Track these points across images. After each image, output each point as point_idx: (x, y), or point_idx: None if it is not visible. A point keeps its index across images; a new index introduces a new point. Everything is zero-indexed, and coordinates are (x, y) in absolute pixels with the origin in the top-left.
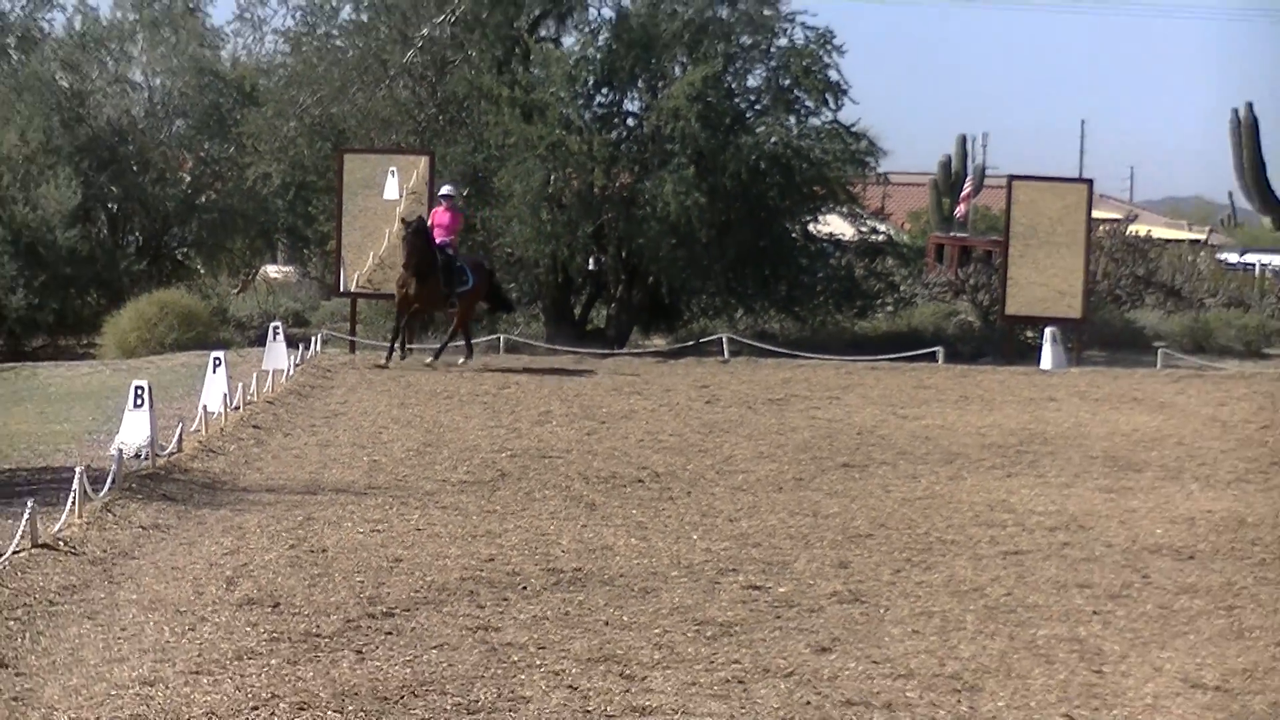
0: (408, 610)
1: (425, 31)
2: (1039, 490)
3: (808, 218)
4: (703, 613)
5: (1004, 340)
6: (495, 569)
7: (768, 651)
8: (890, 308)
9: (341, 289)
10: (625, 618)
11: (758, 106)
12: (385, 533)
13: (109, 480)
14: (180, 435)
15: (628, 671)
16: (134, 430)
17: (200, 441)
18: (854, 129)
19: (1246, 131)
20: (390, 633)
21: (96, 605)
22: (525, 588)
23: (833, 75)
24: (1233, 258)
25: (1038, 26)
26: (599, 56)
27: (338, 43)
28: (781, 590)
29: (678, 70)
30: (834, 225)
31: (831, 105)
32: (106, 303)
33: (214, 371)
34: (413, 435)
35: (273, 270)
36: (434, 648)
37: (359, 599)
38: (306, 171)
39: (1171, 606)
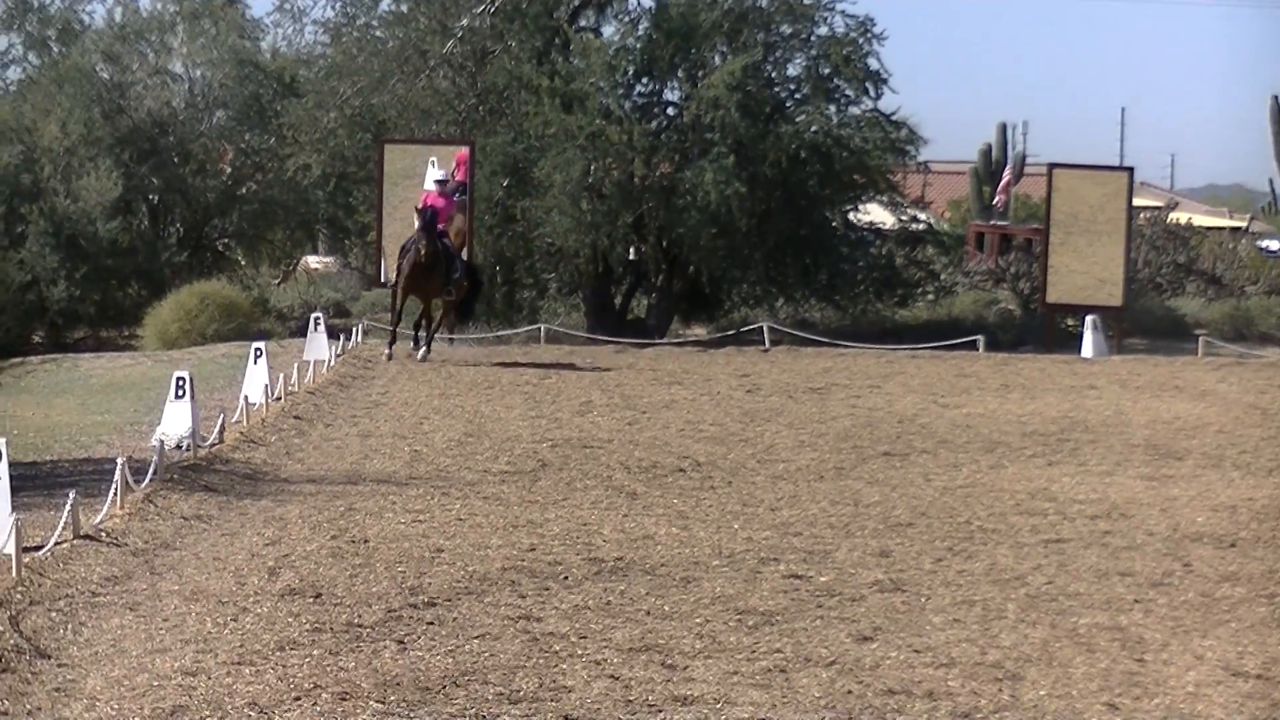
0: (449, 600)
1: (465, 22)
2: (1080, 478)
3: (848, 206)
4: (744, 602)
5: (1045, 328)
6: (537, 559)
7: (809, 641)
8: (931, 296)
9: (382, 279)
10: (667, 607)
11: (798, 95)
12: (427, 523)
13: (150, 471)
14: (221, 426)
15: (669, 661)
16: (175, 421)
17: (241, 432)
18: (894, 117)
19: None
20: (432, 623)
21: (138, 596)
22: (567, 577)
23: (873, 64)
24: (1274, 245)
25: (1077, 14)
26: (638, 46)
27: (377, 33)
28: (823, 579)
29: (717, 59)
30: (874, 214)
31: (871, 94)
32: (147, 294)
33: (255, 362)
34: (454, 425)
35: (313, 261)
36: (476, 637)
37: (400, 589)
38: (347, 162)
39: (1213, 595)
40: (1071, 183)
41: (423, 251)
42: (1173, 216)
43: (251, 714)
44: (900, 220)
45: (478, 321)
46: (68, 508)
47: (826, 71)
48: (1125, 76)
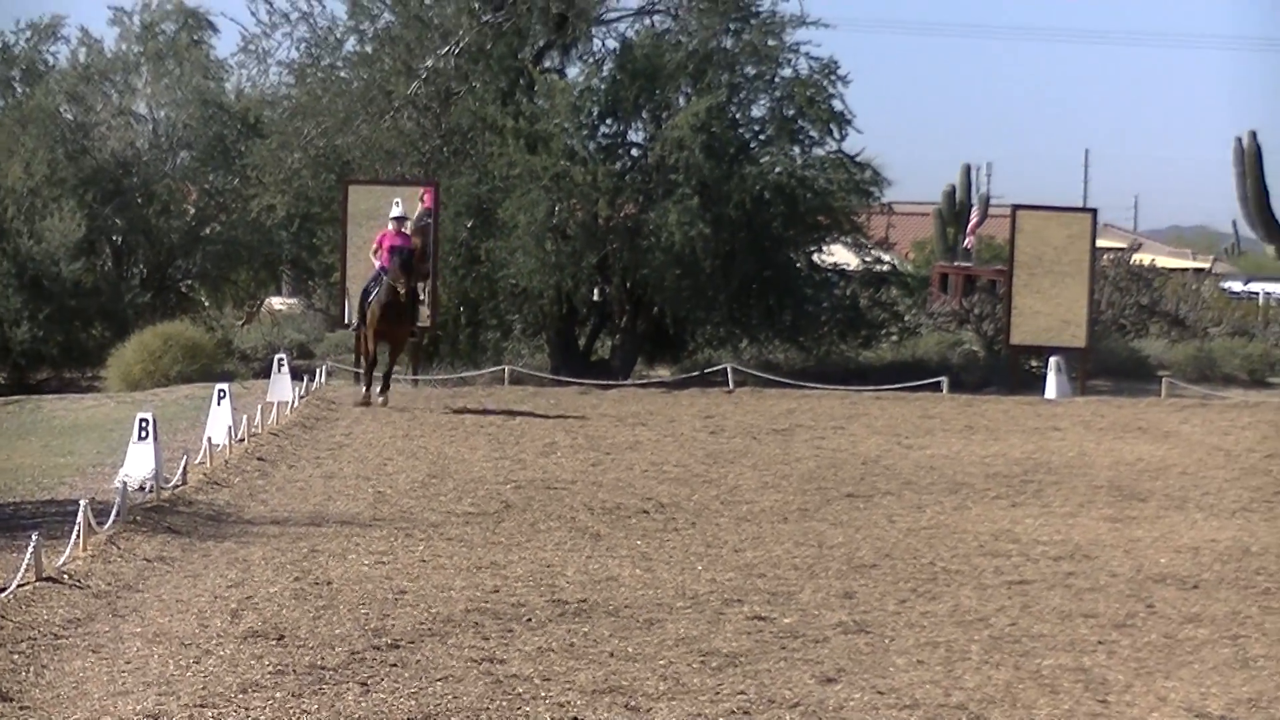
0: (413, 642)
1: (429, 63)
2: (1044, 520)
3: (812, 247)
4: (708, 643)
5: (1009, 369)
6: (500, 600)
7: (773, 682)
8: (895, 337)
9: (346, 320)
10: (630, 649)
11: (762, 136)
12: (390, 564)
13: (113, 513)
14: (185, 468)
15: (633, 703)
16: (138, 463)
17: (205, 474)
18: (858, 159)
19: (1250, 160)
20: (395, 665)
21: (101, 638)
22: (530, 619)
23: (837, 105)
24: (1237, 286)
25: (1041, 56)
26: (603, 87)
27: (342, 74)
28: (787, 621)
29: (682, 100)
30: (838, 255)
31: (836, 135)
32: (111, 335)
33: (218, 404)
34: (418, 467)
35: (277, 302)
36: (439, 680)
37: (364, 631)
38: (311, 203)
39: (1176, 636)
40: (1035, 224)
41: (401, 292)
42: (1136, 258)
43: None
44: (864, 261)
45: (442, 362)
46: (30, 550)
47: (791, 113)
48: (1089, 118)
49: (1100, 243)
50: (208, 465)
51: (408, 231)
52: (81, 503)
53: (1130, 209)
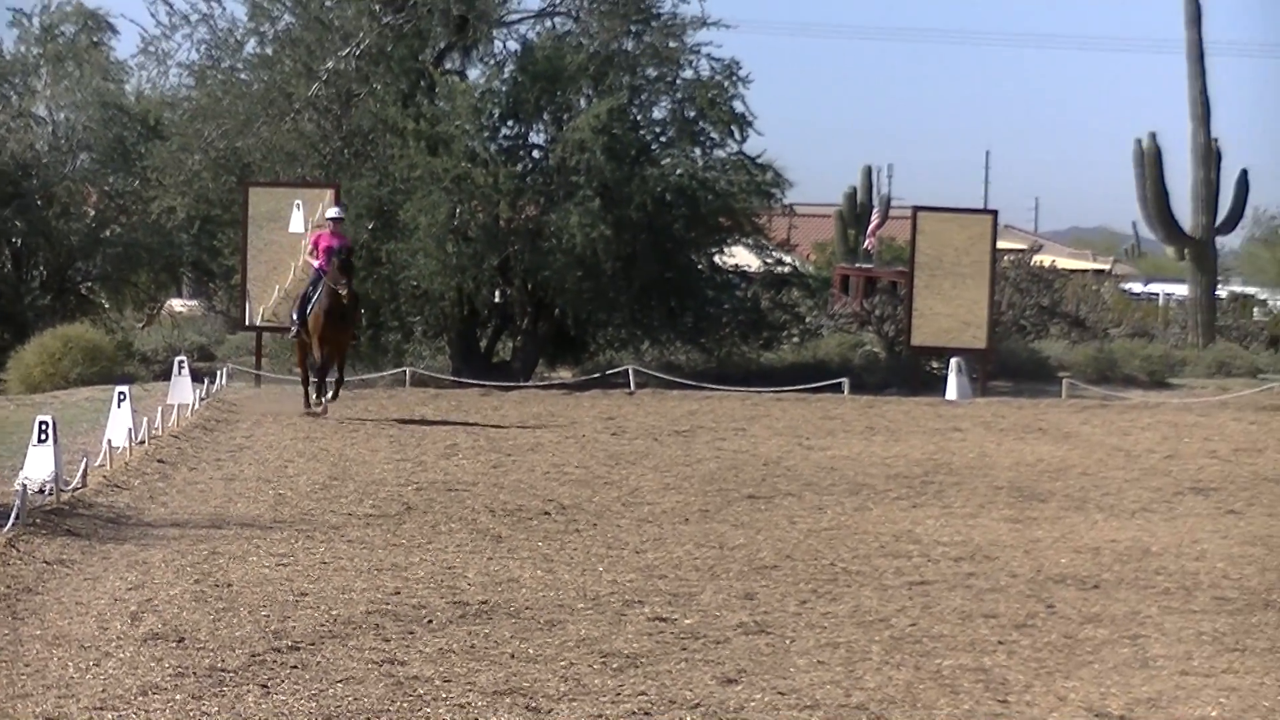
0: (313, 644)
1: (330, 65)
2: (944, 521)
3: (713, 249)
4: (609, 645)
5: (909, 371)
6: (401, 602)
7: (674, 683)
8: (796, 339)
9: (247, 322)
10: (531, 650)
11: (663, 138)
12: (291, 566)
13: (13, 516)
14: (85, 470)
15: (534, 704)
16: (38, 465)
17: (105, 476)
18: (759, 160)
19: (1150, 162)
20: (296, 667)
21: (0, 641)
22: (431, 621)
23: (738, 107)
24: (1137, 288)
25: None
26: (504, 89)
27: (242, 76)
28: (688, 622)
29: (583, 103)
30: (740, 257)
31: (737, 137)
32: (10, 338)
33: (119, 406)
34: (318, 469)
35: (178, 304)
36: (339, 681)
37: (264, 633)
38: (211, 205)
39: (1076, 636)
40: (936, 225)
41: (344, 295)
42: (1037, 259)
43: None
44: (766, 263)
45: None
46: None
47: (692, 115)
48: (990, 120)
49: (1001, 244)
50: (108, 468)
51: (345, 231)
52: None
53: (1031, 210)
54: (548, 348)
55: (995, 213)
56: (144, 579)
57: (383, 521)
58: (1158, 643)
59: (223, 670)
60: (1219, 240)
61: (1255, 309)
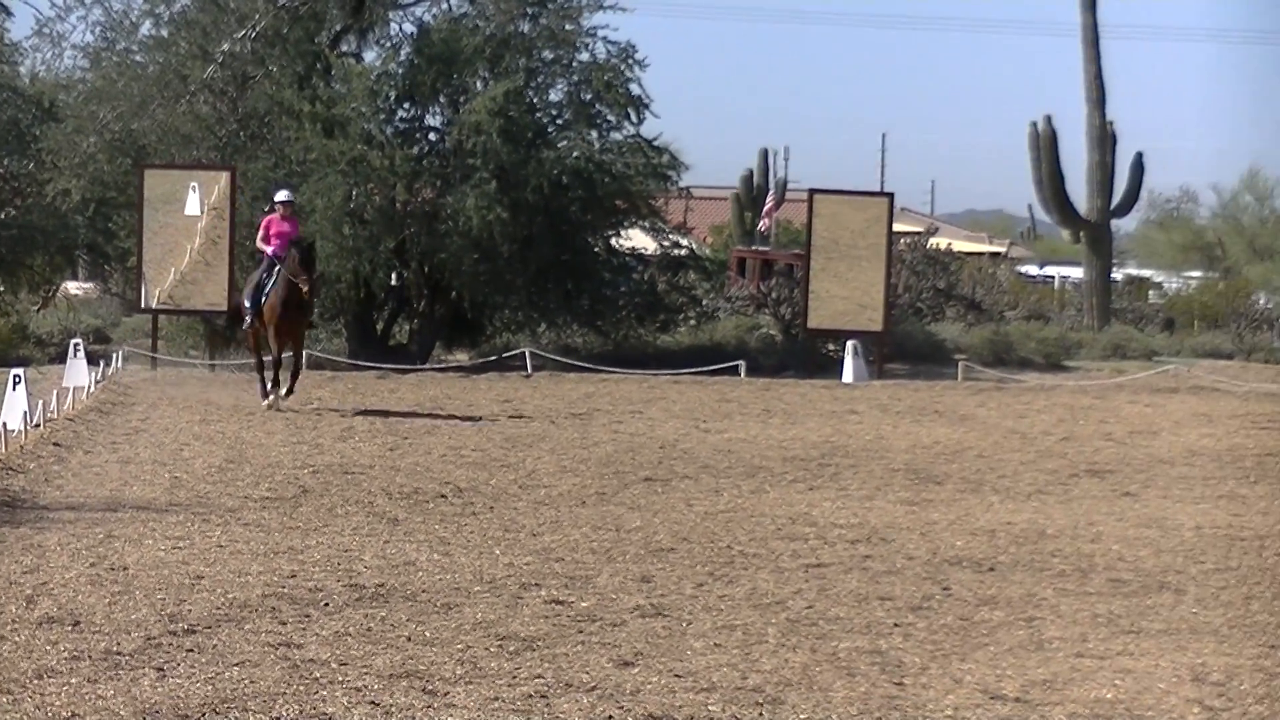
0: (209, 627)
1: (226, 47)
2: (841, 503)
3: (610, 232)
4: (505, 628)
5: (806, 353)
6: (297, 585)
7: (570, 666)
8: (693, 321)
9: (143, 305)
10: (427, 633)
11: (560, 121)
12: (187, 550)
13: None
14: None
15: (430, 687)
16: None
17: (0, 460)
18: (656, 143)
19: (1045, 145)
20: (191, 650)
21: None
22: (327, 604)
23: (635, 89)
24: (1033, 270)
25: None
26: (400, 72)
27: (138, 58)
28: (584, 605)
29: (479, 85)
30: (637, 239)
31: (633, 119)
32: None
33: (14, 389)
34: (215, 452)
35: (73, 287)
36: (235, 665)
37: (160, 616)
38: (107, 187)
39: (972, 618)
40: (832, 208)
41: (304, 290)
42: (933, 242)
43: None
44: (662, 246)
45: (239, 347)
46: None
47: (589, 97)
48: (886, 103)
49: (897, 227)
50: (3, 451)
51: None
52: None
53: (927, 193)
54: (445, 330)
55: (891, 195)
56: (39, 562)
57: (279, 504)
58: (1053, 625)
59: (118, 654)
60: (1114, 223)
61: (1150, 292)
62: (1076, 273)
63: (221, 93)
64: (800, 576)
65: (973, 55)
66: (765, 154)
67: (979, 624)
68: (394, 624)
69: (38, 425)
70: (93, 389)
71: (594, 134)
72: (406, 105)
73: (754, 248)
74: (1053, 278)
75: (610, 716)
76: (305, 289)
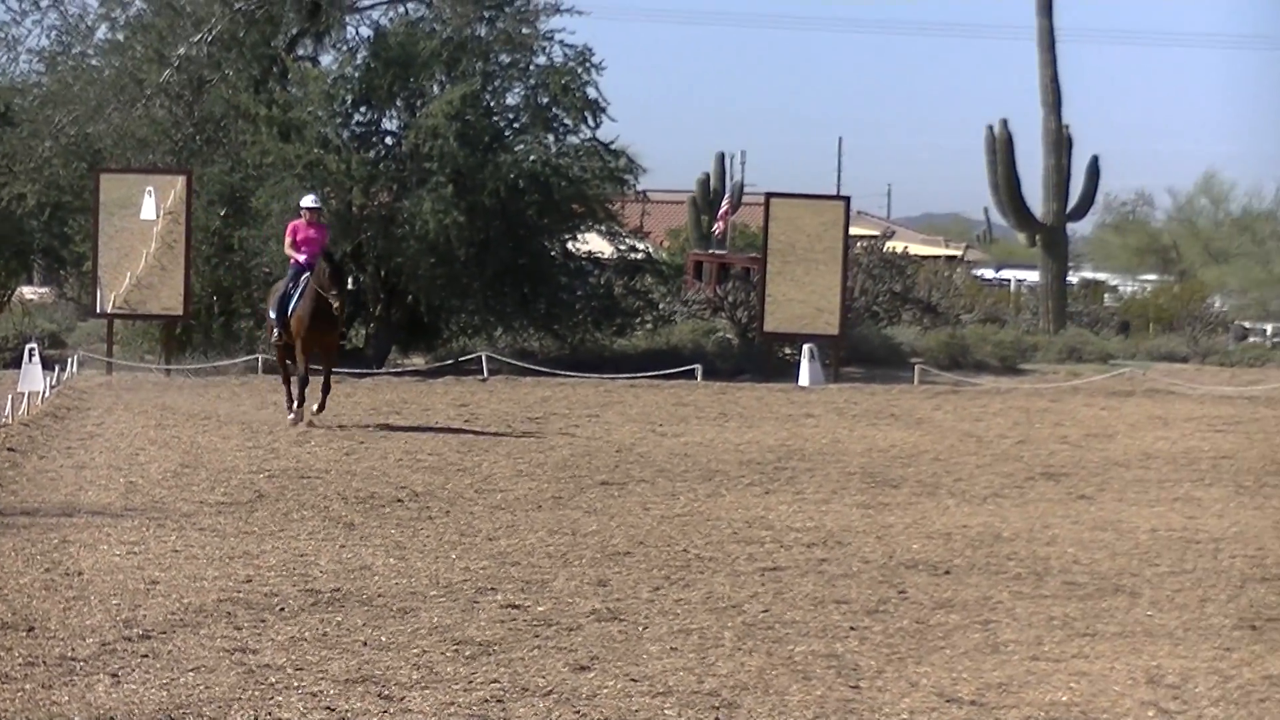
0: (164, 633)
1: (182, 51)
2: (797, 507)
3: (567, 236)
4: (461, 632)
5: (762, 357)
6: (253, 590)
7: (526, 670)
8: (649, 325)
9: (98, 310)
10: (383, 638)
11: (516, 125)
12: (142, 555)
13: None
14: None
15: (386, 692)
16: None
17: None
18: (612, 147)
19: (1001, 148)
20: (146, 655)
21: None
22: (283, 609)
23: (591, 93)
24: (989, 274)
25: (795, 45)
26: (357, 75)
27: (93, 62)
28: (540, 609)
29: (436, 89)
30: (593, 243)
31: (590, 123)
32: None
33: None
34: (170, 457)
35: (28, 291)
36: (191, 670)
37: (115, 622)
38: (62, 192)
39: (928, 621)
40: (789, 211)
41: (335, 305)
42: (889, 245)
43: None
44: (619, 250)
45: (195, 351)
46: None
47: (545, 101)
48: (842, 107)
49: (853, 230)
50: None
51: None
52: None
53: (883, 197)
54: (401, 335)
55: (848, 199)
56: None
57: (235, 509)
58: (1008, 628)
59: (73, 659)
60: (1070, 227)
61: (1106, 295)
62: (1032, 276)
63: (177, 97)
64: (756, 580)
65: (929, 59)
66: (722, 157)
67: (935, 627)
68: (350, 629)
69: None
70: (48, 394)
71: (551, 138)
72: (363, 109)
73: (710, 251)
74: (1009, 281)
75: None
76: (336, 305)
